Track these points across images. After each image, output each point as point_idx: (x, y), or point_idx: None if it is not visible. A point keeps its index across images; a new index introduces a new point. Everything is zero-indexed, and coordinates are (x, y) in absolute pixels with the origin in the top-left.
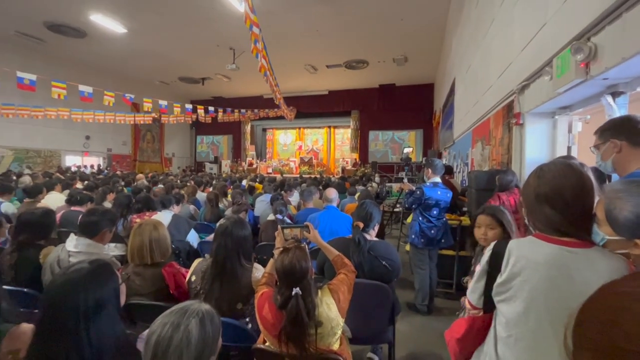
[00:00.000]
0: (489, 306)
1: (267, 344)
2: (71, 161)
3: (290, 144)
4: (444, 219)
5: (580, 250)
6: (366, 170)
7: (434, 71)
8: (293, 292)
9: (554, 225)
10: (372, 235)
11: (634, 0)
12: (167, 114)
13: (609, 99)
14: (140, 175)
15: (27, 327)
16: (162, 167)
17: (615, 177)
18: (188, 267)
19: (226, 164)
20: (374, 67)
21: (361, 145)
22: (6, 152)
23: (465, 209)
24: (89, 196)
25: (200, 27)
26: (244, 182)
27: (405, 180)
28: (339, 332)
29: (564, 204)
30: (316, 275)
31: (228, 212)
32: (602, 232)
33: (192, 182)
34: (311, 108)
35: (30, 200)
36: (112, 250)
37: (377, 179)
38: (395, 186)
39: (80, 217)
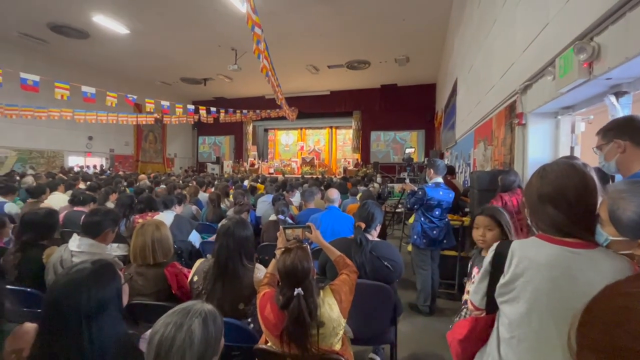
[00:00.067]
0: (491, 307)
1: (269, 344)
2: (74, 162)
3: (292, 145)
4: (446, 220)
5: (583, 251)
6: (368, 171)
7: (436, 71)
8: (295, 293)
9: (557, 226)
10: (374, 236)
11: (637, 0)
12: (169, 114)
13: (612, 99)
14: (142, 176)
15: (30, 327)
16: (165, 167)
17: (618, 177)
18: (190, 267)
19: (228, 165)
20: (375, 68)
21: (363, 145)
22: (9, 152)
23: (467, 209)
24: (91, 196)
25: (202, 28)
26: (246, 183)
27: (407, 180)
28: (341, 332)
29: (567, 204)
30: (318, 276)
31: (230, 212)
32: (605, 233)
33: (194, 183)
34: (313, 108)
35: (33, 200)
36: (115, 250)
37: (378, 179)
38: (397, 187)
39: (83, 217)
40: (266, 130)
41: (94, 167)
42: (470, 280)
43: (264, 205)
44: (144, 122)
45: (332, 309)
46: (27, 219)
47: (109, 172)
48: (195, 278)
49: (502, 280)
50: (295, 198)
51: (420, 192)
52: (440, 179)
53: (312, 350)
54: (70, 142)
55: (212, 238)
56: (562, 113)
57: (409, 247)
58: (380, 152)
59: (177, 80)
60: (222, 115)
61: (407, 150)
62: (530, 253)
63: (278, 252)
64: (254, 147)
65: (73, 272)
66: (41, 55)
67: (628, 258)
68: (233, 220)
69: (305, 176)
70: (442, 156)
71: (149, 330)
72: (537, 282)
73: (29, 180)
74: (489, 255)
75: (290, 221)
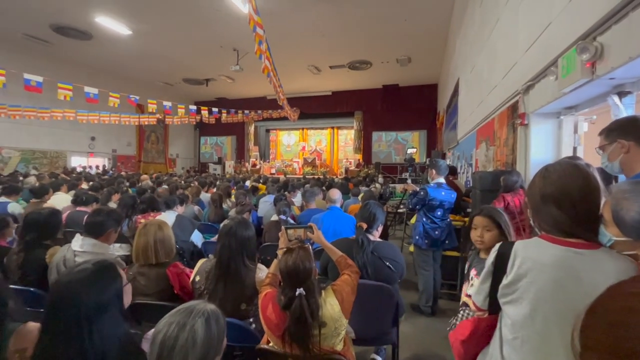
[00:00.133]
0: (494, 308)
1: (270, 344)
2: (77, 162)
3: (294, 145)
4: (448, 220)
5: (587, 251)
6: (369, 171)
7: (438, 71)
8: (297, 293)
9: (561, 226)
10: (375, 236)
11: None
12: (172, 115)
13: (616, 99)
14: (144, 176)
15: (33, 326)
16: (166, 167)
17: (621, 178)
18: (192, 267)
19: (230, 165)
20: (377, 68)
21: (364, 146)
22: (13, 153)
23: (469, 209)
24: (94, 197)
25: (204, 29)
26: (248, 183)
27: (409, 181)
28: (343, 332)
29: (571, 204)
30: (320, 276)
31: (232, 212)
32: (609, 233)
33: (196, 183)
34: (314, 109)
35: (36, 200)
36: (117, 250)
37: (380, 179)
38: (399, 187)
39: (85, 217)
40: (268, 131)
41: (97, 167)
42: (468, 282)
43: (265, 206)
44: (146, 123)
45: (333, 309)
46: (30, 219)
47: (111, 172)
48: (198, 278)
49: (504, 281)
50: (297, 198)
51: (422, 193)
52: (442, 180)
53: (313, 351)
54: (73, 143)
55: (215, 238)
56: (565, 113)
57: (411, 248)
58: (382, 153)
59: (179, 80)
60: (224, 115)
61: (409, 151)
62: (533, 254)
63: (280, 253)
64: (256, 148)
65: (73, 273)
66: (44, 56)
67: (632, 259)
68: (235, 220)
69: (306, 176)
70: (444, 156)
71: (152, 330)
72: (540, 283)
73: (32, 180)
74: (491, 256)
75: (291, 221)
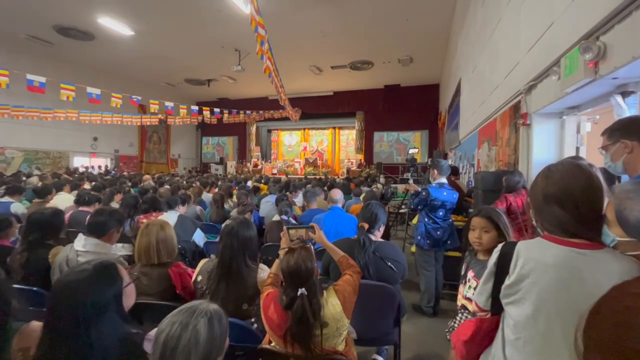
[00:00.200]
0: (496, 308)
1: (272, 344)
2: (79, 162)
3: (295, 145)
4: (450, 220)
5: (590, 252)
6: (371, 171)
7: (440, 72)
8: (298, 293)
9: (564, 226)
10: (377, 237)
11: None
12: (173, 115)
13: (619, 98)
14: (146, 176)
15: (37, 325)
16: (168, 168)
17: (624, 178)
18: (194, 267)
19: (231, 165)
20: (379, 68)
21: (366, 146)
22: (16, 153)
23: (471, 210)
24: (96, 197)
25: (206, 29)
26: (249, 183)
27: (411, 181)
28: (345, 333)
29: (574, 203)
30: (321, 276)
31: (233, 212)
32: (612, 234)
33: (198, 183)
34: (316, 109)
35: (39, 200)
36: (120, 250)
37: (382, 180)
38: (401, 187)
39: (88, 217)
40: (269, 131)
41: (99, 167)
42: (465, 283)
43: (267, 206)
44: (148, 123)
45: (335, 309)
46: (33, 219)
47: (113, 172)
48: (199, 278)
49: (507, 282)
50: (299, 199)
51: (424, 193)
52: (444, 180)
53: (315, 351)
54: (76, 143)
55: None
56: (568, 113)
57: (413, 248)
58: (384, 153)
59: (181, 81)
60: (225, 116)
61: (411, 151)
62: (536, 254)
63: (282, 253)
64: (257, 148)
65: (73, 273)
66: (47, 57)
67: (635, 259)
68: (237, 220)
69: (308, 177)
70: (445, 157)
71: (154, 330)
72: (543, 284)
73: (34, 180)
74: (493, 256)
75: (293, 221)
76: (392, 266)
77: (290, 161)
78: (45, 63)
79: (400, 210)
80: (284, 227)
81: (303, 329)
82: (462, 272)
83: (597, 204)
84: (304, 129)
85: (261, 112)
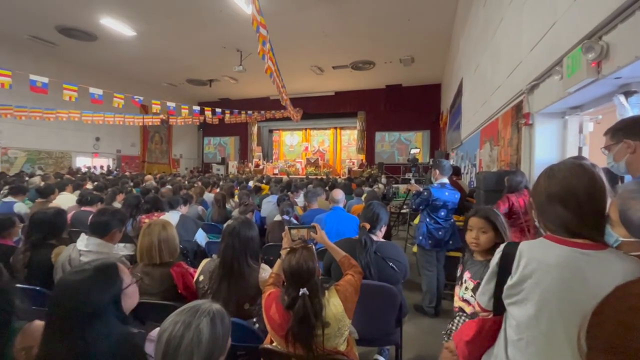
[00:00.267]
0: (499, 308)
1: (274, 344)
2: (81, 162)
3: (297, 145)
4: (452, 220)
5: (593, 252)
6: (373, 172)
7: (441, 71)
8: (300, 293)
9: (567, 226)
10: (379, 237)
11: None
12: (175, 115)
13: (622, 98)
14: (148, 176)
15: (39, 325)
16: (170, 168)
17: (627, 178)
18: (195, 267)
19: (233, 165)
20: (380, 68)
21: (367, 146)
22: (19, 153)
23: None
24: (99, 197)
25: (208, 30)
26: (251, 183)
27: (413, 181)
28: (346, 333)
29: (577, 203)
30: (323, 276)
31: (235, 212)
32: (615, 234)
33: (200, 183)
34: (317, 109)
35: (42, 200)
36: (122, 250)
37: (383, 180)
38: (402, 187)
39: (90, 217)
40: (271, 131)
41: (101, 167)
42: (462, 285)
43: (268, 206)
44: (150, 123)
45: (337, 309)
46: (36, 219)
47: (115, 172)
48: (201, 278)
49: (509, 282)
50: (300, 199)
51: (425, 193)
52: (445, 180)
53: (317, 351)
54: (78, 143)
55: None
56: (570, 113)
57: (414, 248)
58: (385, 153)
59: (182, 81)
60: (227, 116)
61: (412, 151)
62: (538, 254)
63: (283, 252)
64: (259, 148)
65: (73, 273)
66: (50, 58)
67: (639, 259)
68: (238, 220)
69: (309, 177)
70: (447, 157)
71: (156, 330)
72: (546, 284)
73: (36, 180)
74: (496, 256)
75: (294, 222)
76: (394, 266)
77: (291, 161)
78: (48, 63)
79: (402, 211)
80: (286, 227)
81: (305, 328)
82: (458, 273)
83: (601, 204)
84: (306, 129)
85: (263, 112)
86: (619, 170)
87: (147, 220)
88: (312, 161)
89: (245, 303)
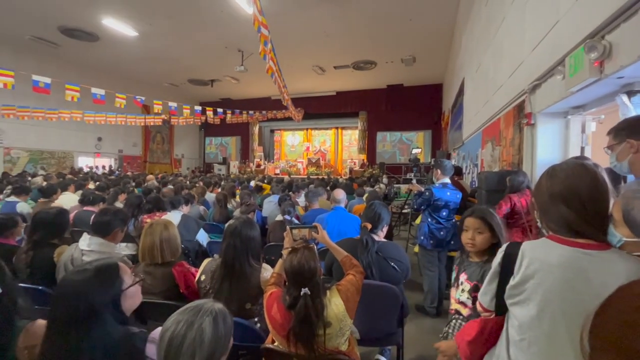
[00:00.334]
0: (501, 309)
1: (275, 343)
2: (84, 162)
3: (298, 145)
4: (454, 220)
5: (596, 252)
6: (374, 172)
7: (443, 71)
8: (302, 292)
9: (570, 225)
10: (380, 237)
11: None
12: (177, 115)
13: (624, 98)
14: (150, 176)
15: (42, 324)
16: (172, 168)
17: (630, 178)
18: (197, 267)
19: (234, 165)
20: (381, 68)
21: (369, 146)
22: (22, 153)
23: None
24: (101, 196)
25: (209, 30)
26: (252, 183)
27: (414, 181)
28: (348, 333)
29: (580, 202)
30: (324, 276)
31: (236, 212)
32: (619, 234)
33: (201, 183)
34: (319, 109)
35: (44, 200)
36: (124, 249)
37: (385, 180)
38: (404, 187)
39: (92, 217)
40: (272, 131)
41: (103, 167)
42: (457, 287)
43: (270, 206)
44: (151, 123)
45: (338, 309)
46: (38, 218)
47: (117, 172)
48: (203, 277)
49: (512, 282)
50: (301, 199)
51: (427, 193)
52: (447, 180)
53: (318, 351)
54: (80, 143)
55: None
56: (572, 113)
57: (416, 248)
58: (387, 153)
59: (184, 81)
60: (228, 116)
61: (414, 151)
62: (541, 254)
63: (285, 252)
64: (260, 148)
65: (75, 273)
66: (52, 58)
67: None
68: (240, 220)
69: (311, 177)
70: (449, 157)
71: (157, 329)
72: (548, 284)
73: (39, 180)
74: (498, 256)
75: (296, 221)
76: (395, 266)
77: (293, 161)
78: (50, 64)
79: (403, 211)
80: (287, 227)
81: (306, 328)
82: (454, 275)
83: (603, 204)
84: (307, 129)
85: (264, 112)
86: (621, 170)
87: (149, 220)
88: (314, 161)
89: (246, 303)
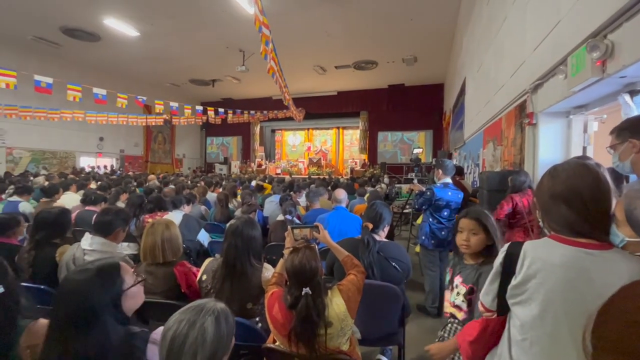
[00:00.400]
0: (502, 309)
1: (277, 343)
2: (85, 162)
3: (299, 145)
4: (454, 220)
5: (598, 252)
6: (375, 171)
7: (444, 71)
8: (303, 292)
9: (572, 225)
10: (381, 236)
11: None
12: (178, 115)
13: (627, 97)
14: (151, 176)
15: (44, 323)
16: (173, 168)
17: (633, 178)
18: (198, 266)
19: (235, 165)
20: (383, 68)
21: (370, 146)
22: (24, 153)
23: None
24: (102, 196)
25: (210, 30)
26: (253, 183)
27: (415, 181)
28: (349, 332)
29: (581, 202)
30: (325, 276)
31: (238, 212)
32: (621, 234)
33: (203, 183)
34: (320, 109)
35: (46, 199)
36: (125, 249)
37: (386, 179)
38: (405, 187)
39: (94, 216)
40: (273, 131)
41: (105, 167)
42: (452, 290)
43: (271, 206)
44: (153, 123)
45: (339, 309)
46: (40, 218)
47: (119, 172)
48: (204, 277)
49: (513, 282)
50: (302, 198)
51: (428, 193)
52: (448, 180)
53: (319, 350)
54: (82, 143)
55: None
56: (574, 112)
57: (417, 248)
58: (388, 153)
59: (185, 81)
60: (230, 116)
61: (415, 151)
62: (543, 254)
63: (286, 252)
64: (261, 148)
65: (76, 273)
66: (54, 58)
67: None
68: (241, 220)
69: (312, 176)
70: (450, 156)
71: (159, 329)
72: (551, 284)
73: (41, 180)
74: (499, 256)
75: (297, 221)
76: (397, 266)
77: (294, 161)
78: (52, 64)
79: (405, 210)
80: (289, 227)
81: (307, 328)
82: (448, 278)
83: (605, 204)
84: (308, 129)
85: (265, 112)
86: (624, 169)
87: (150, 220)
88: (315, 161)
89: (248, 302)
